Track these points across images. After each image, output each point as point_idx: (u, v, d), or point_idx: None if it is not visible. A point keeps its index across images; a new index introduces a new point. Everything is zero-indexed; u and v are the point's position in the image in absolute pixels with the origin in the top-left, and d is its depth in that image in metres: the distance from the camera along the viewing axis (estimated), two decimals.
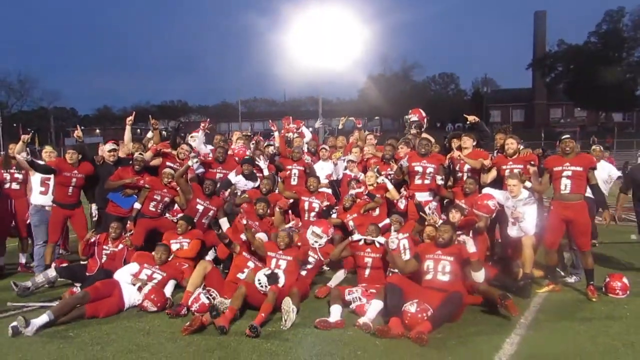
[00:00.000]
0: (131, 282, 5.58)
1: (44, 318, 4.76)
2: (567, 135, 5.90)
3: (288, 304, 4.86)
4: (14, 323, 4.61)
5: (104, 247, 6.39)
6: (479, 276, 5.07)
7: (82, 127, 8.57)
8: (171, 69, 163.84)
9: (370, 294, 5.24)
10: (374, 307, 4.91)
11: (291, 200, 7.29)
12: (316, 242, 6.09)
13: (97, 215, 7.12)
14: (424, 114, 8.21)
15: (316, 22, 31.92)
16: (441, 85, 66.76)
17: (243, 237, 6.02)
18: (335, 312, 4.94)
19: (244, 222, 5.86)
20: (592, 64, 46.51)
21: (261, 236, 6.27)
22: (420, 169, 6.91)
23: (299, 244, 6.14)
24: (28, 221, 7.02)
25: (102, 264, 6.23)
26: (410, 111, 8.31)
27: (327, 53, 31.77)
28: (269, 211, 6.91)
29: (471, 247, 4.99)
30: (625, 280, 5.68)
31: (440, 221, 5.99)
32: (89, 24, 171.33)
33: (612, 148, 33.35)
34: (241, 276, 5.73)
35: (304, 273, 6.01)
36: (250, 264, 5.89)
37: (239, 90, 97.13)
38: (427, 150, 6.99)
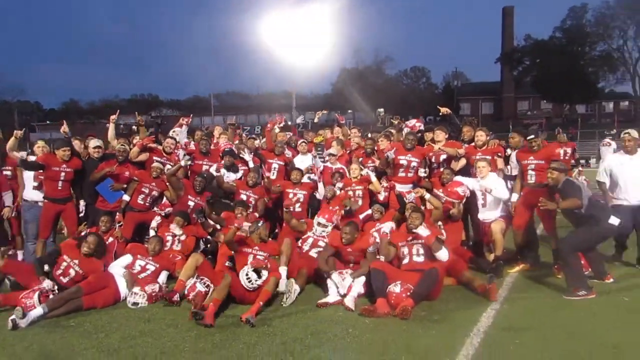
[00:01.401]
0: (122, 275, 5.75)
1: (39, 310, 4.93)
2: (532, 136, 6.54)
3: (292, 285, 5.20)
4: (13, 316, 4.76)
5: None
6: (442, 255, 5.45)
7: (48, 122, 8.62)
8: (141, 62, 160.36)
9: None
10: (357, 283, 5.37)
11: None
12: (323, 231, 6.39)
13: (83, 212, 7.21)
14: (417, 126, 8.57)
15: (289, 15, 31.91)
16: (413, 79, 67.80)
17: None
18: (333, 290, 5.37)
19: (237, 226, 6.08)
20: (557, 58, 48.05)
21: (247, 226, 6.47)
22: (405, 162, 7.29)
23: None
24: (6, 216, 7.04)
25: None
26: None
27: (300, 46, 31.85)
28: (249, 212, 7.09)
29: (424, 231, 5.46)
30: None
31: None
32: (53, 15, 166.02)
33: (575, 138, 34.75)
34: (230, 264, 5.98)
35: (315, 255, 6.26)
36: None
37: (211, 83, 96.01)
38: (412, 145, 7.37)
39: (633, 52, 51.47)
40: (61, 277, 5.61)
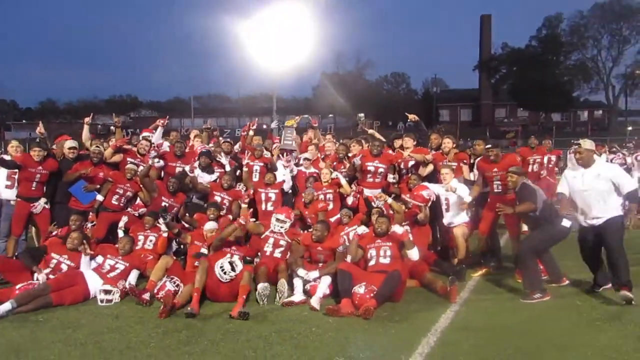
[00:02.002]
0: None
1: (6, 306, 5.00)
2: (489, 145, 6.84)
3: (284, 285, 5.51)
4: None
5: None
6: (413, 254, 5.76)
7: (24, 121, 8.62)
8: (120, 63, 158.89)
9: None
10: (323, 284, 5.56)
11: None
12: (281, 227, 6.52)
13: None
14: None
15: (271, 18, 31.97)
16: (393, 84, 68.62)
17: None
18: (299, 289, 5.58)
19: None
20: (533, 67, 49.16)
21: (212, 226, 6.61)
22: (372, 168, 7.51)
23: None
24: None
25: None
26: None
27: (281, 50, 31.94)
28: (222, 213, 7.23)
29: (398, 229, 5.74)
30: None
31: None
32: (31, 12, 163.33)
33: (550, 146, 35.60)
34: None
35: (279, 255, 6.40)
36: (204, 251, 6.28)
37: (192, 86, 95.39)
38: (378, 151, 7.58)
39: (607, 61, 53.05)
40: (51, 275, 5.71)
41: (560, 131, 48.89)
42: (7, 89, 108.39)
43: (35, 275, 5.71)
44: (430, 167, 7.39)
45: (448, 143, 7.35)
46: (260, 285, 5.53)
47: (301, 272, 5.73)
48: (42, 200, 6.90)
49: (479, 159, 7.15)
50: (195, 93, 67.59)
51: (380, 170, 7.50)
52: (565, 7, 56.53)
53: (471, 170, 7.44)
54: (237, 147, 8.77)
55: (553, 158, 9.61)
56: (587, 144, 5.51)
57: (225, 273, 5.36)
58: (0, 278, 6.02)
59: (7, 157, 7.10)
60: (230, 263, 5.43)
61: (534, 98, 49.50)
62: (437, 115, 60.44)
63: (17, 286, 5.41)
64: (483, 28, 59.93)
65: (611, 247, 5.27)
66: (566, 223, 5.59)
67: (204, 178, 7.89)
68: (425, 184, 6.93)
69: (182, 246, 7.13)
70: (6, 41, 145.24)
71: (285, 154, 8.51)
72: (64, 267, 5.85)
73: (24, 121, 62.45)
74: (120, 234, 6.90)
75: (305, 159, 8.33)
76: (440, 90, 67.10)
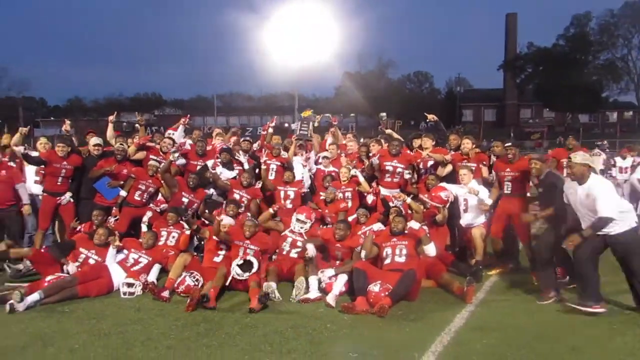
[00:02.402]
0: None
1: (35, 296, 5.24)
2: (509, 143, 6.72)
3: (302, 283, 5.63)
4: (11, 300, 5.05)
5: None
6: (430, 249, 5.81)
7: (52, 118, 8.92)
8: (145, 61, 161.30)
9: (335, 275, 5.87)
10: (339, 282, 5.63)
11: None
12: (302, 227, 6.62)
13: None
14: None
15: (293, 17, 32.13)
16: (416, 84, 68.18)
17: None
18: (314, 287, 5.64)
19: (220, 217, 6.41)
20: (560, 67, 48.23)
21: (229, 221, 6.74)
22: (390, 168, 7.53)
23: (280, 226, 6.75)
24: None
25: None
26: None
27: (303, 49, 32.08)
28: (240, 210, 7.31)
29: (415, 225, 5.85)
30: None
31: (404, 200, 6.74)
32: (60, 12, 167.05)
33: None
34: (217, 259, 6.24)
35: (295, 255, 6.49)
36: (223, 247, 6.41)
37: (215, 84, 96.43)
38: (397, 151, 7.61)
39: (637, 61, 51.79)
40: (78, 268, 5.98)
41: (588, 132, 47.89)
42: (37, 86, 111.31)
43: (65, 267, 5.96)
44: (449, 168, 7.37)
45: (467, 144, 7.33)
46: (264, 284, 5.65)
47: (320, 274, 5.85)
48: (68, 194, 7.15)
49: (497, 160, 7.10)
50: (218, 91, 68.38)
51: (399, 169, 7.52)
52: (593, 6, 55.41)
53: (490, 172, 7.39)
54: (256, 145, 8.89)
55: None
56: (578, 157, 5.12)
57: (239, 275, 5.61)
58: (32, 269, 6.26)
59: (34, 154, 7.35)
60: (240, 266, 5.64)
61: (561, 98, 48.60)
62: (460, 115, 59.80)
63: (47, 278, 5.65)
64: (508, 27, 59.08)
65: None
66: None
67: (224, 174, 8.02)
68: (444, 184, 6.92)
69: (202, 242, 7.28)
70: (36, 40, 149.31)
71: (304, 154, 8.58)
72: (92, 262, 6.10)
73: (52, 118, 64.07)
74: (144, 228, 7.09)
75: (324, 157, 8.39)
76: (463, 90, 66.41)
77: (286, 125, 10.48)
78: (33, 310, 5.09)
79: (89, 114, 67.29)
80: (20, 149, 6.85)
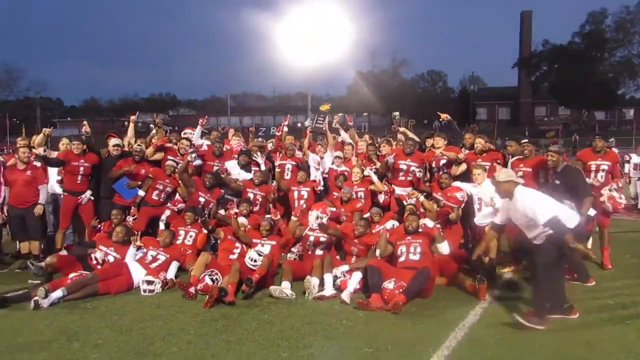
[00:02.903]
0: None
1: (58, 293, 5.42)
2: (526, 140, 6.73)
3: (309, 282, 5.71)
4: (36, 297, 5.23)
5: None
6: (443, 247, 5.92)
7: (68, 119, 9.09)
8: (159, 62, 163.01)
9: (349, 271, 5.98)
10: (354, 279, 5.73)
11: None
12: (318, 221, 6.64)
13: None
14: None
15: (307, 16, 32.19)
16: (429, 82, 67.88)
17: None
18: (329, 284, 5.74)
19: (234, 212, 6.71)
20: (575, 64, 47.68)
21: (242, 221, 6.88)
22: (404, 167, 7.61)
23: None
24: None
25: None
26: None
27: (317, 48, 32.10)
28: (255, 209, 7.54)
29: (429, 222, 5.95)
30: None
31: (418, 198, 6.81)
32: (77, 14, 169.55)
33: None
34: (232, 257, 6.39)
35: (320, 252, 6.62)
36: (238, 245, 6.58)
37: (228, 84, 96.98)
38: (411, 150, 7.67)
39: None
40: (98, 266, 6.16)
41: (605, 130, 47.30)
42: (53, 87, 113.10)
43: (93, 255, 6.19)
44: (464, 167, 7.40)
45: (479, 143, 7.35)
46: (271, 288, 5.73)
47: (335, 270, 5.97)
48: (88, 193, 7.33)
49: (513, 158, 7.12)
50: (232, 91, 68.77)
51: (412, 168, 7.59)
52: (609, 3, 54.67)
53: None
54: (270, 146, 9.00)
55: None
56: (501, 175, 4.98)
57: (253, 261, 5.92)
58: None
59: (54, 154, 7.52)
60: (257, 252, 5.94)
61: (577, 96, 48.05)
62: (474, 114, 59.46)
63: (70, 276, 5.82)
64: (523, 25, 58.59)
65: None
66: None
67: (242, 175, 8.15)
68: (458, 183, 6.96)
69: (217, 241, 7.41)
70: (53, 41, 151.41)
71: (319, 159, 8.65)
72: (111, 259, 6.26)
73: (68, 119, 65.08)
74: (162, 226, 7.24)
75: (337, 156, 8.47)
76: (477, 88, 65.96)
77: (299, 125, 10.55)
78: (57, 307, 5.27)
79: (105, 114, 68.23)
80: (40, 151, 7.02)
